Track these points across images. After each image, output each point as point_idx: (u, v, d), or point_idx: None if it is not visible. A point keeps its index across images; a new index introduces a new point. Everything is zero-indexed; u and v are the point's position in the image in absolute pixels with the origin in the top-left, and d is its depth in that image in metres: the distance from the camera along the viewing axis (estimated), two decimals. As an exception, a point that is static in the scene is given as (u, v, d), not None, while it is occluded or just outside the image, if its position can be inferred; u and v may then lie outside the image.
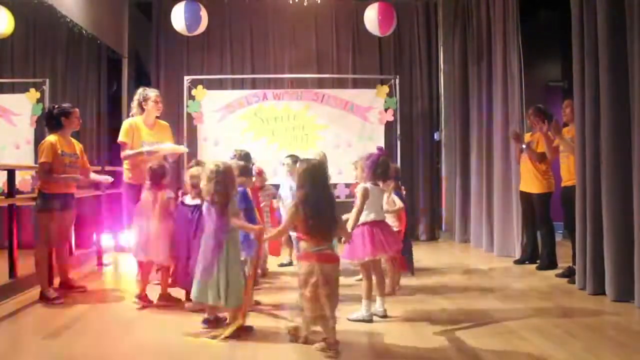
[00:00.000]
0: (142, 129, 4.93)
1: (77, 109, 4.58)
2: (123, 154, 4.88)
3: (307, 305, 3.07)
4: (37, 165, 5.16)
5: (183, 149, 5.33)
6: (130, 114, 5.10)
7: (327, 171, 3.25)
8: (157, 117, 5.06)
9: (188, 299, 3.92)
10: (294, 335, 3.25)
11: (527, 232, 5.89)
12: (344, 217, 3.66)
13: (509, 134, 5.97)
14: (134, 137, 4.87)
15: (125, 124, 4.95)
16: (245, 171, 4.11)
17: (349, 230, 3.58)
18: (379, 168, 3.76)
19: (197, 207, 3.90)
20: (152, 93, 5.01)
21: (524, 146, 5.64)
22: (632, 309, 3.94)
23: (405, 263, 4.57)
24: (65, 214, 4.45)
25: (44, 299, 4.21)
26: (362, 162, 3.81)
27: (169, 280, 4.19)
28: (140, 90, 5.07)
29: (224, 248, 3.40)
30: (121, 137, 4.89)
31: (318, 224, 3.08)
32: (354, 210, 3.67)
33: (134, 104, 5.02)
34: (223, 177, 3.42)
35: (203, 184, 3.46)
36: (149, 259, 4.13)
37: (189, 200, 4.04)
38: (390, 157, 7.20)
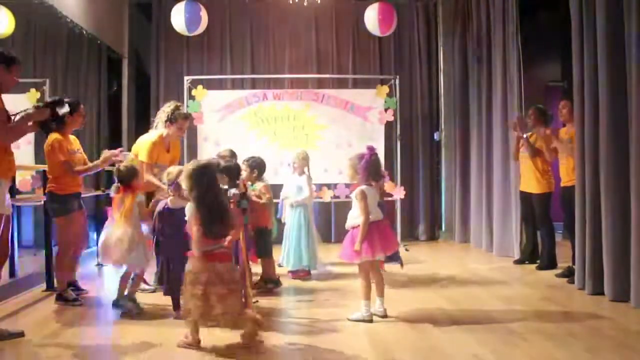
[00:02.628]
0: (161, 150, 4.68)
1: (82, 105, 4.40)
2: (147, 177, 4.46)
3: (197, 303, 3.06)
4: (37, 165, 5.17)
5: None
6: (153, 126, 4.81)
7: (215, 172, 3.27)
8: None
9: (176, 307, 3.88)
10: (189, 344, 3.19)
11: (527, 232, 5.89)
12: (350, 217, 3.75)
13: (509, 125, 5.94)
14: (152, 158, 4.57)
15: (149, 144, 4.62)
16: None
17: (361, 237, 3.59)
18: (371, 168, 3.76)
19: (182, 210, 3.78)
20: (181, 117, 4.70)
21: (524, 136, 5.61)
22: (630, 309, 3.95)
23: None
24: (82, 213, 4.43)
25: (61, 300, 4.19)
26: (353, 163, 3.79)
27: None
28: (172, 106, 4.75)
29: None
30: (144, 158, 4.57)
31: (212, 224, 3.12)
32: (362, 217, 3.63)
33: (161, 117, 4.72)
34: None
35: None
36: (105, 262, 4.05)
37: (174, 203, 3.85)
38: (391, 157, 7.27)
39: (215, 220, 3.14)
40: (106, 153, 4.34)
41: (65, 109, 3.97)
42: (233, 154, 4.88)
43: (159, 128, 4.75)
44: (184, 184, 3.27)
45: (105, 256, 3.97)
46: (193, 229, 3.15)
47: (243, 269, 3.74)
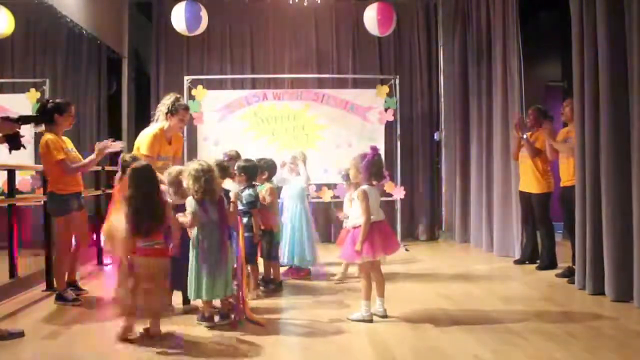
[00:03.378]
0: (163, 142, 4.66)
1: (72, 106, 4.38)
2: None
3: (126, 295, 3.30)
4: (37, 165, 5.16)
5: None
6: (153, 119, 4.78)
7: (152, 174, 3.43)
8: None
9: (186, 302, 3.94)
10: (124, 334, 3.33)
11: (527, 232, 5.89)
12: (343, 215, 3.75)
13: (513, 124, 5.93)
14: (153, 149, 4.56)
15: (150, 136, 4.60)
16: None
17: (362, 237, 3.60)
18: (373, 168, 3.75)
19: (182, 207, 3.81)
20: (182, 109, 4.70)
21: (524, 136, 5.62)
22: (632, 309, 3.95)
23: None
24: (82, 213, 4.43)
25: (61, 300, 4.18)
26: (356, 163, 3.79)
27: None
28: (172, 98, 4.73)
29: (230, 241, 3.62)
30: (145, 151, 4.54)
31: (141, 221, 3.29)
32: (364, 217, 3.63)
33: (162, 109, 4.71)
34: (212, 175, 3.56)
35: (191, 184, 3.53)
36: (110, 250, 4.16)
37: (174, 201, 3.88)
38: (391, 157, 7.27)
39: (142, 219, 3.29)
40: (99, 145, 4.32)
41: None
42: (239, 155, 4.90)
43: (159, 121, 4.74)
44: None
45: (110, 245, 4.01)
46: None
47: (241, 270, 3.76)
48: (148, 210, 3.31)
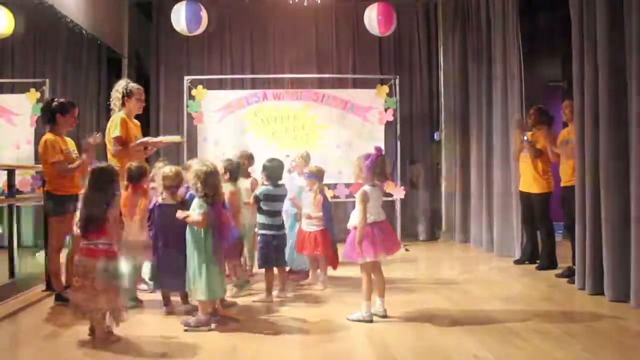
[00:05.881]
0: (131, 125, 4.67)
1: (76, 108, 4.39)
2: (116, 148, 4.50)
3: (74, 294, 3.30)
4: (37, 165, 5.16)
5: (179, 138, 5.28)
6: (114, 110, 4.75)
7: (112, 177, 3.44)
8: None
9: (186, 301, 3.95)
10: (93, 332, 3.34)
11: (527, 232, 5.89)
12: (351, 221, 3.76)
13: (513, 122, 5.94)
14: (127, 132, 4.58)
15: (118, 118, 4.58)
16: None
17: (358, 239, 3.60)
18: (377, 168, 3.75)
19: (175, 207, 3.81)
20: (135, 88, 4.72)
21: (525, 137, 5.63)
22: (631, 309, 3.94)
23: (335, 259, 4.73)
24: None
25: (61, 300, 4.16)
26: (359, 162, 3.79)
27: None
28: (122, 83, 4.74)
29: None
30: (117, 132, 4.51)
31: (85, 220, 3.32)
32: (360, 218, 3.64)
33: (117, 96, 4.70)
34: (219, 177, 3.64)
35: (203, 186, 3.53)
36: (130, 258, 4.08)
37: (166, 200, 3.92)
38: (391, 157, 7.27)
39: (88, 220, 3.31)
40: (83, 143, 4.28)
41: None
42: (252, 156, 5.06)
43: (117, 110, 4.71)
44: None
45: (130, 254, 3.96)
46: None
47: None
48: (92, 211, 3.33)
